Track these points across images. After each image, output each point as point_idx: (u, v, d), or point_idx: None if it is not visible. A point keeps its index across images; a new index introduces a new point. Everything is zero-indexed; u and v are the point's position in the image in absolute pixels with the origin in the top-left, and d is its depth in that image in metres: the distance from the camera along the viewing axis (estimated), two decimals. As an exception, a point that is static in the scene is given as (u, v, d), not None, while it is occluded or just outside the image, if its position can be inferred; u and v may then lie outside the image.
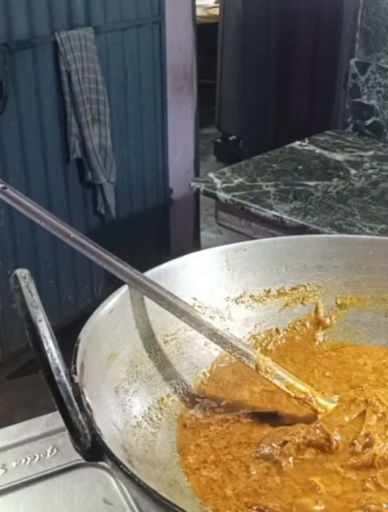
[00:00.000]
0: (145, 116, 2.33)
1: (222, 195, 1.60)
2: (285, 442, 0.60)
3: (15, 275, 0.50)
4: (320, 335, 0.78)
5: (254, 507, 0.54)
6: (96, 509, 0.60)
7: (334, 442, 0.59)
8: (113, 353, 0.61)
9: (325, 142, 1.96)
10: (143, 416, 0.62)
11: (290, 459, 0.59)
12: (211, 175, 1.70)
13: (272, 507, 0.54)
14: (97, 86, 2.04)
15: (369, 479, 0.56)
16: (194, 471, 0.59)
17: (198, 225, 2.83)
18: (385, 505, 0.53)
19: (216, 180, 1.67)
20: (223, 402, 0.67)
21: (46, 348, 0.48)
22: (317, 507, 0.54)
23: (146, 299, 0.66)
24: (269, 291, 0.77)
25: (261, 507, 0.54)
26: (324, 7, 2.80)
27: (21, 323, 0.48)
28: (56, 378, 0.48)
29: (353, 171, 1.75)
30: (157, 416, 0.63)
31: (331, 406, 0.63)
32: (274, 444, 0.60)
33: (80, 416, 0.48)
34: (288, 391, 0.63)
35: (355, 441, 0.59)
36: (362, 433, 0.59)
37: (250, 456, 0.60)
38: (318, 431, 0.60)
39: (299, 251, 0.78)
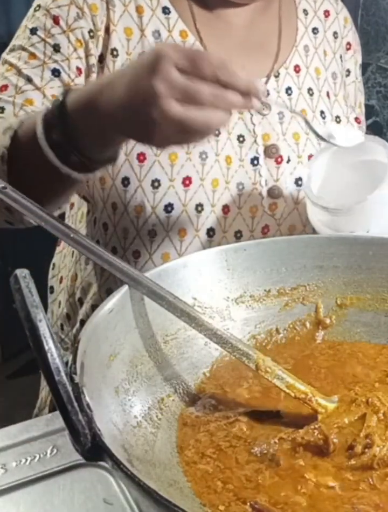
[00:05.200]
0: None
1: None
2: (282, 441, 0.60)
3: (15, 275, 0.50)
4: (320, 335, 0.78)
5: (247, 503, 0.54)
6: (96, 509, 0.60)
7: (332, 445, 0.59)
8: (113, 353, 0.61)
9: (325, 142, 1.96)
10: (143, 416, 0.62)
11: (286, 457, 0.59)
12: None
13: (263, 503, 0.54)
14: (97, 86, 2.04)
15: (365, 479, 0.56)
16: (191, 464, 0.59)
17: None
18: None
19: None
20: (224, 400, 0.68)
21: (46, 348, 0.48)
22: (308, 504, 0.54)
23: (146, 299, 0.66)
24: (269, 291, 0.77)
25: (252, 503, 0.54)
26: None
27: (21, 323, 0.48)
28: (56, 378, 0.48)
29: (353, 171, 1.75)
30: (157, 416, 0.63)
31: (331, 406, 0.63)
32: (271, 442, 0.60)
33: (80, 416, 0.48)
34: (288, 390, 0.63)
35: (353, 443, 0.59)
36: (362, 434, 0.59)
37: (246, 452, 0.60)
38: (316, 432, 0.60)
39: (299, 251, 0.78)
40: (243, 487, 0.56)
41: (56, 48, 0.92)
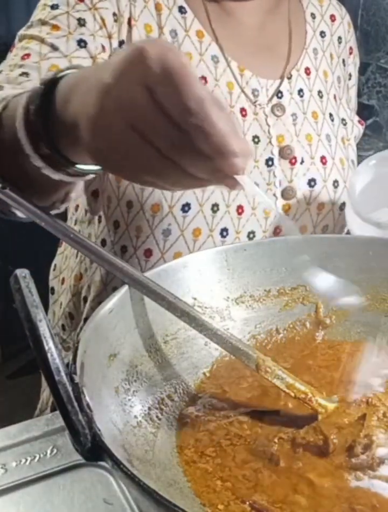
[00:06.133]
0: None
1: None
2: (282, 441, 0.60)
3: (15, 275, 0.50)
4: (320, 335, 0.78)
5: (246, 502, 0.54)
6: (96, 509, 0.60)
7: (332, 445, 0.59)
8: (113, 353, 0.61)
9: (325, 142, 1.96)
10: (143, 416, 0.62)
11: (285, 457, 0.59)
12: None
13: (262, 502, 0.54)
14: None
15: (364, 479, 0.56)
16: (190, 464, 0.59)
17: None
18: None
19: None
20: (224, 400, 0.68)
21: (46, 348, 0.48)
22: (307, 504, 0.54)
23: (146, 299, 0.66)
24: (269, 291, 0.77)
25: (251, 502, 0.54)
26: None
27: (21, 323, 0.48)
28: (56, 378, 0.48)
29: (353, 171, 1.75)
30: (157, 416, 0.63)
31: (331, 406, 0.63)
32: (270, 442, 0.60)
33: (80, 416, 0.48)
34: (288, 390, 0.63)
35: (353, 443, 0.59)
36: (362, 434, 0.59)
37: (246, 452, 0.60)
38: (316, 432, 0.60)
39: (299, 251, 0.78)
40: (242, 486, 0.56)
41: (81, 22, 0.89)
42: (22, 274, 0.50)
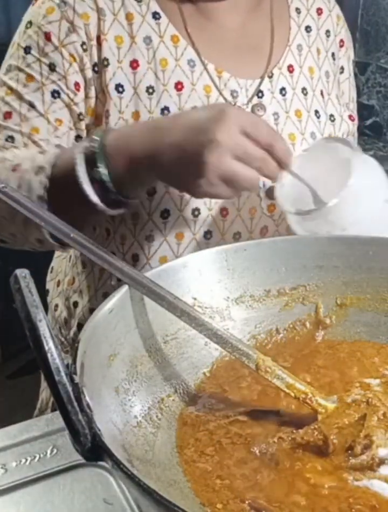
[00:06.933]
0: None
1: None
2: (281, 440, 0.60)
3: (15, 275, 0.50)
4: (320, 335, 0.78)
5: (245, 501, 0.54)
6: (96, 509, 0.60)
7: (331, 445, 0.59)
8: (113, 353, 0.61)
9: (325, 142, 1.96)
10: (143, 416, 0.62)
11: (285, 457, 0.59)
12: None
13: (261, 501, 0.54)
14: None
15: (363, 480, 0.56)
16: (190, 463, 0.59)
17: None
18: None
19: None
20: (224, 400, 0.68)
21: (46, 348, 0.48)
22: (306, 504, 0.54)
23: (146, 299, 0.66)
24: (269, 291, 0.77)
25: (250, 501, 0.54)
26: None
27: (21, 323, 0.48)
28: (56, 378, 0.48)
29: (353, 171, 1.74)
30: (157, 416, 0.63)
31: (331, 406, 0.63)
32: (270, 441, 0.60)
33: (80, 416, 0.48)
34: (288, 390, 0.63)
35: (353, 443, 0.59)
36: (362, 434, 0.59)
37: (245, 451, 0.60)
38: (316, 432, 0.60)
39: (299, 251, 0.78)
40: (241, 485, 0.56)
41: (52, 67, 0.93)
42: (22, 274, 0.50)
